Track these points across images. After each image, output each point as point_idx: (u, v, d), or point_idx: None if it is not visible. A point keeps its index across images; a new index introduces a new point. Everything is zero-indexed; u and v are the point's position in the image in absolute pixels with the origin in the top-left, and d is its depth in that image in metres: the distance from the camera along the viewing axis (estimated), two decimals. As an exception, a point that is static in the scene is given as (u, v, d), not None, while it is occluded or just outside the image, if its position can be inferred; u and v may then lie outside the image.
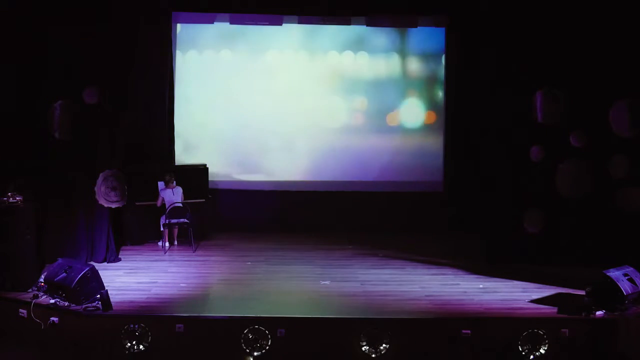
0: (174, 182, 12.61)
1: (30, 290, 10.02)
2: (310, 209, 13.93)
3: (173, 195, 12.52)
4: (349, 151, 14.10)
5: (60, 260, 10.20)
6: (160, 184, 12.79)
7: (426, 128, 14.09)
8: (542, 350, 9.19)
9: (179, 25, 13.80)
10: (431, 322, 9.43)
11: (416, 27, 13.89)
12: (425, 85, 14.05)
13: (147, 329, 9.20)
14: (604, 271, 9.69)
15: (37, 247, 10.73)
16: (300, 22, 13.89)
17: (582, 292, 9.84)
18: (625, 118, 10.72)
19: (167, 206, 12.43)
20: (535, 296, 10.19)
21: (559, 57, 11.49)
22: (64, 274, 9.72)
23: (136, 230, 12.96)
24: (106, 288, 9.70)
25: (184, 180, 12.79)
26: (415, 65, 14.02)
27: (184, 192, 12.68)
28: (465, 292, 10.50)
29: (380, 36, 13.96)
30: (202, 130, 14.03)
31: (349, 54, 13.95)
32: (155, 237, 12.92)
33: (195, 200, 12.89)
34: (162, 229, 12.63)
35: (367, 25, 13.87)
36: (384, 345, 9.22)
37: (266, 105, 14.02)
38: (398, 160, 14.08)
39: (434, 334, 9.28)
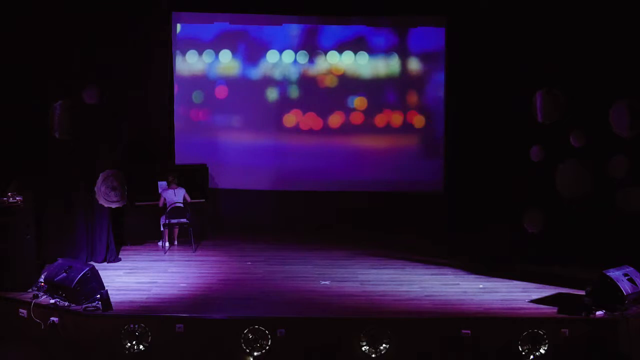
0: (176, 182, 12.61)
1: (30, 290, 10.02)
2: (310, 209, 13.93)
3: (174, 196, 12.52)
4: (349, 151, 14.11)
5: (60, 260, 10.20)
6: (161, 185, 12.79)
7: (426, 128, 14.09)
8: (542, 350, 9.19)
9: (179, 25, 13.82)
10: (431, 322, 9.43)
11: (416, 27, 13.90)
12: (426, 85, 14.04)
13: (147, 329, 9.21)
14: (604, 271, 9.69)
15: (37, 247, 10.74)
16: (300, 22, 13.91)
17: (582, 292, 9.84)
18: (625, 118, 10.71)
19: (167, 206, 12.44)
20: (535, 296, 10.19)
21: (559, 57, 11.49)
22: (64, 274, 9.73)
23: (136, 230, 12.96)
24: (106, 288, 9.71)
25: (184, 180, 12.80)
26: (415, 65, 14.02)
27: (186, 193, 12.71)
28: (465, 292, 10.50)
29: (380, 36, 13.96)
30: (202, 130, 14.03)
31: (349, 54, 13.96)
32: (155, 237, 12.92)
33: (195, 200, 12.89)
34: (162, 229, 12.64)
35: (367, 25, 13.88)
36: (384, 345, 9.22)
37: (266, 105, 14.04)
38: (398, 161, 14.08)
39: (434, 334, 9.28)
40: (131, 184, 11.88)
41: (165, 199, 12.55)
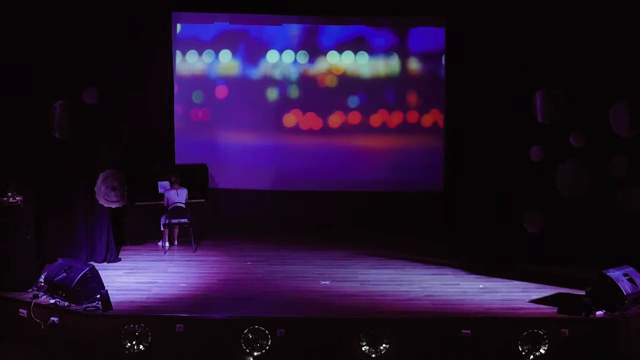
0: (179, 183, 12.62)
1: (30, 290, 10.02)
2: (311, 209, 13.94)
3: (177, 196, 12.53)
4: (349, 151, 14.11)
5: (60, 260, 10.20)
6: (162, 185, 12.80)
7: (426, 128, 14.08)
8: (542, 350, 9.19)
9: (179, 25, 13.82)
10: (431, 322, 9.43)
11: (416, 27, 13.91)
12: (425, 85, 14.04)
13: (147, 329, 9.21)
14: (604, 271, 9.69)
15: (37, 247, 10.74)
16: (300, 22, 13.91)
17: (582, 292, 9.85)
18: (625, 118, 10.72)
19: (169, 206, 12.45)
20: (535, 296, 10.19)
21: (559, 57, 11.49)
22: (64, 274, 9.73)
23: (136, 230, 12.96)
24: (106, 288, 9.71)
25: (184, 180, 12.80)
26: (415, 65, 14.02)
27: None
28: (465, 292, 10.50)
29: (380, 36, 13.96)
30: (202, 130, 14.04)
31: (349, 54, 13.96)
32: (155, 237, 12.93)
33: (195, 200, 12.89)
34: (162, 229, 12.64)
35: (367, 25, 13.89)
36: (384, 345, 9.22)
37: (266, 105, 14.04)
38: (398, 160, 14.08)
39: (434, 334, 9.28)
40: (131, 184, 11.88)
41: (168, 199, 12.55)
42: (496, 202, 12.04)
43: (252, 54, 13.97)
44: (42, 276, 10.19)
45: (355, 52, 13.96)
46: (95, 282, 9.78)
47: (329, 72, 14.02)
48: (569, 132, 11.21)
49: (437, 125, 14.05)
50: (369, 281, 11.01)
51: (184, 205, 12.46)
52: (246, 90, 14.02)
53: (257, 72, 14.00)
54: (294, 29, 13.96)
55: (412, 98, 14.07)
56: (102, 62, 11.46)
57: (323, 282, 10.94)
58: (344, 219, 13.91)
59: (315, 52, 13.97)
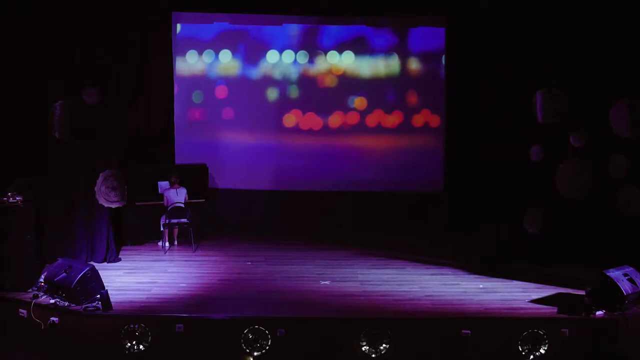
0: (179, 183, 12.62)
1: (30, 290, 10.03)
2: (311, 209, 13.93)
3: (177, 195, 12.53)
4: (349, 151, 14.10)
5: (60, 260, 10.21)
6: (162, 185, 12.80)
7: (426, 128, 14.07)
8: (542, 350, 9.19)
9: (179, 25, 13.82)
10: (431, 322, 9.43)
11: (416, 27, 13.90)
12: (425, 85, 14.04)
13: (147, 329, 9.21)
14: (604, 271, 9.70)
15: (37, 247, 10.74)
16: (300, 22, 13.91)
17: (582, 292, 9.85)
18: (625, 118, 10.71)
19: (168, 206, 12.45)
20: (535, 296, 10.20)
21: (559, 57, 11.48)
22: (64, 274, 9.74)
23: (136, 230, 12.96)
24: (106, 288, 9.71)
25: (184, 180, 12.80)
26: (415, 65, 14.01)
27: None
28: (465, 292, 10.50)
29: (380, 36, 13.96)
30: (202, 130, 14.03)
31: (349, 54, 13.96)
32: (155, 237, 12.93)
33: (195, 200, 12.89)
34: (162, 229, 12.64)
35: (367, 25, 13.89)
36: (384, 345, 9.22)
37: (266, 105, 14.04)
38: (398, 160, 14.08)
39: (434, 334, 9.28)
40: (131, 184, 11.87)
41: (167, 198, 12.55)
42: (496, 202, 12.03)
43: (252, 54, 13.97)
44: (42, 276, 10.20)
45: (355, 52, 13.95)
46: (95, 282, 9.79)
47: (329, 72, 14.01)
48: (569, 132, 11.20)
49: (437, 125, 14.03)
50: (369, 281, 11.01)
51: (183, 205, 12.46)
52: (246, 90, 14.02)
53: (257, 72, 13.99)
54: (294, 29, 13.96)
55: (412, 98, 14.07)
56: (102, 62, 11.45)
57: (323, 282, 10.94)
58: (344, 219, 13.90)
59: (315, 52, 13.97)
